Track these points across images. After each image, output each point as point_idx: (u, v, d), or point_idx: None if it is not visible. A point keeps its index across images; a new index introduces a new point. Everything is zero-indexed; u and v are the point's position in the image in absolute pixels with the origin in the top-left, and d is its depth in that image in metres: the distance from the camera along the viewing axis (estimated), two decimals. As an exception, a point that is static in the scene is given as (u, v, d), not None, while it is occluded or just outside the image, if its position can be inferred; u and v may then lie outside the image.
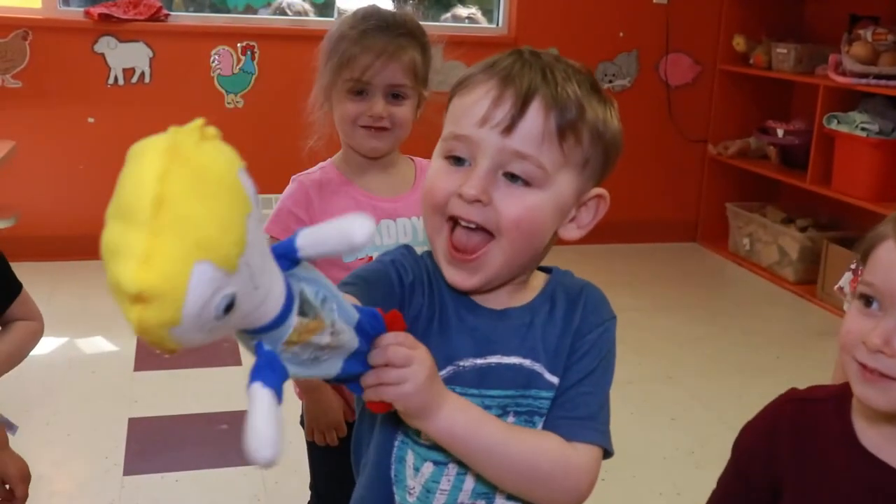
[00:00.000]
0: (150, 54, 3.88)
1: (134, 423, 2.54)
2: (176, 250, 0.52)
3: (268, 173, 3.78)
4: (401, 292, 0.90)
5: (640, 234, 4.53)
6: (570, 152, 0.87)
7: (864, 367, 0.86)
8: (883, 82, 3.52)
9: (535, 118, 0.85)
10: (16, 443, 1.49)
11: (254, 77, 3.99)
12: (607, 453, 0.92)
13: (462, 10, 4.37)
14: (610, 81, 4.42)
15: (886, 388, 0.85)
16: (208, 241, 0.53)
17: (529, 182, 0.86)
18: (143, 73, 3.88)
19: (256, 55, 3.98)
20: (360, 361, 0.75)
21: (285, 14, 4.14)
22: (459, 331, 0.91)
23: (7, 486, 1.39)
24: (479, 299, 0.93)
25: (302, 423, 1.54)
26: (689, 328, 3.51)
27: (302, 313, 0.66)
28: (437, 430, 0.81)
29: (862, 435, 0.92)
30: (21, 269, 1.56)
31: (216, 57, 3.94)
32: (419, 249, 0.97)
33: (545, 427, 0.91)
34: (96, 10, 3.80)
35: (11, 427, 1.49)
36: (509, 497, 0.90)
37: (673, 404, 2.84)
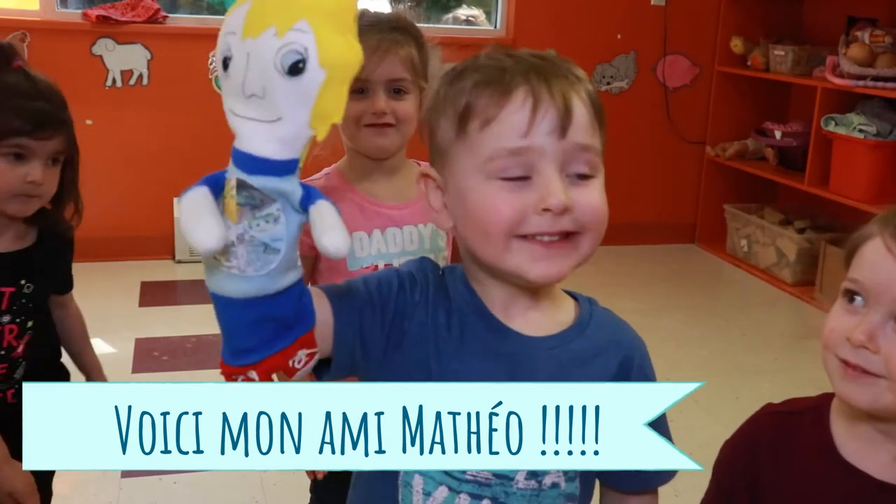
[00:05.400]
0: (149, 56, 3.87)
1: (132, 425, 2.54)
2: None
3: (266, 175, 3.75)
4: (397, 306, 0.87)
5: (639, 236, 4.53)
6: None
7: (846, 363, 0.86)
8: (880, 84, 3.53)
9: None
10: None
11: (252, 79, 3.98)
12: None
13: (462, 12, 4.37)
14: (608, 83, 4.42)
15: (869, 384, 0.84)
16: None
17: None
18: (141, 75, 3.88)
19: (254, 57, 3.98)
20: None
21: (283, 16, 4.13)
22: (486, 357, 0.88)
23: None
24: (509, 321, 0.89)
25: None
26: (686, 329, 3.51)
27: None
28: None
29: (840, 445, 0.92)
30: (19, 271, 1.56)
31: (214, 59, 3.94)
32: (439, 259, 0.94)
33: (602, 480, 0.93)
34: (94, 11, 3.80)
35: None
36: None
37: (671, 406, 2.84)
